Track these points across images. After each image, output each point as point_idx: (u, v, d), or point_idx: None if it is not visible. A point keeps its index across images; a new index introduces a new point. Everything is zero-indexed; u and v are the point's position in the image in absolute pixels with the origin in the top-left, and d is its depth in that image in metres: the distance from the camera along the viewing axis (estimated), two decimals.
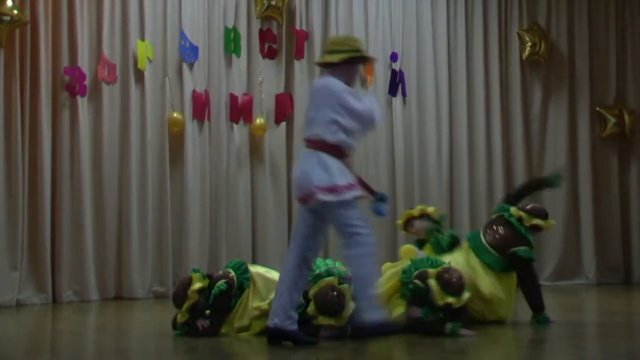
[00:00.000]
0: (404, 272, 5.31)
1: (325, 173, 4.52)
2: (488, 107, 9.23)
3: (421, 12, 9.01)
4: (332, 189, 4.51)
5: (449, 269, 5.20)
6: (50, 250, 7.36)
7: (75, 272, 7.45)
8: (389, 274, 5.45)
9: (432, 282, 5.13)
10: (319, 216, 4.64)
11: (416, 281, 5.21)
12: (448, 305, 5.04)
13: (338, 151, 4.57)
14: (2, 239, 7.15)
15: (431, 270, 5.22)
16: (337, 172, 4.53)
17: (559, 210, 9.25)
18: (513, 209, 5.71)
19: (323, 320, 4.94)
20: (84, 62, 7.58)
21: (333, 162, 4.54)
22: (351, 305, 4.94)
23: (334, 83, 4.60)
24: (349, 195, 4.53)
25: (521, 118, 9.30)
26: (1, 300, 7.07)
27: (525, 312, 5.68)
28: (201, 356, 4.65)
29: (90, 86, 7.61)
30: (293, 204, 8.38)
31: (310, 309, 4.99)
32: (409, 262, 5.41)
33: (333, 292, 4.95)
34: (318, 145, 4.56)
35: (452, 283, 5.11)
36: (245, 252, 8.01)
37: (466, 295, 5.12)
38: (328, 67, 4.70)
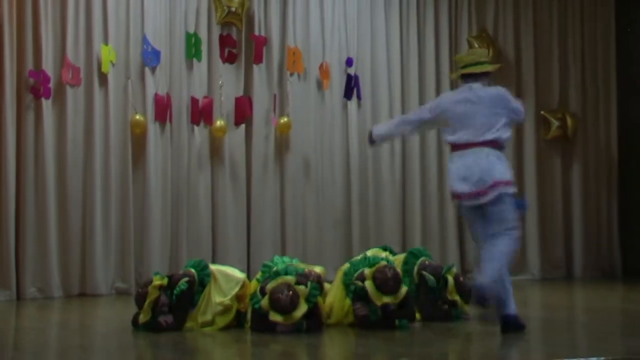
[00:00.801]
0: (345, 274, 5.39)
1: (504, 168, 5.11)
2: None
3: (375, 18, 9.16)
4: (509, 183, 5.09)
5: (383, 268, 5.26)
6: (14, 247, 7.47)
7: (39, 270, 7.56)
8: (338, 278, 5.53)
9: (368, 284, 5.21)
10: (479, 212, 5.12)
11: (357, 282, 5.28)
12: (385, 305, 5.16)
13: (504, 148, 5.21)
14: None
15: (367, 271, 5.28)
16: (508, 168, 5.16)
17: None
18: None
19: (273, 317, 5.04)
20: (49, 65, 7.68)
21: (505, 159, 5.17)
22: (303, 307, 5.06)
23: (502, 90, 5.31)
24: (514, 189, 5.14)
25: None
26: None
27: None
28: (163, 351, 4.75)
29: (55, 89, 7.71)
30: (252, 203, 8.53)
31: (264, 302, 5.08)
32: (348, 265, 5.49)
33: (288, 291, 5.05)
34: (491, 144, 5.13)
35: (387, 283, 5.20)
36: (205, 250, 8.18)
37: (403, 290, 5.22)
38: (480, 77, 5.30)
